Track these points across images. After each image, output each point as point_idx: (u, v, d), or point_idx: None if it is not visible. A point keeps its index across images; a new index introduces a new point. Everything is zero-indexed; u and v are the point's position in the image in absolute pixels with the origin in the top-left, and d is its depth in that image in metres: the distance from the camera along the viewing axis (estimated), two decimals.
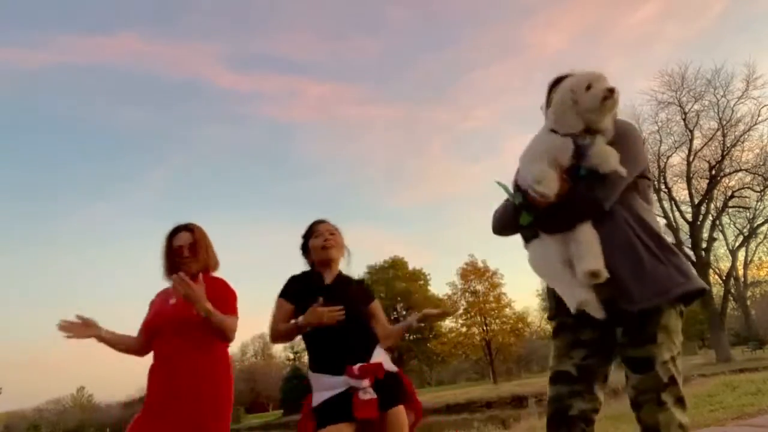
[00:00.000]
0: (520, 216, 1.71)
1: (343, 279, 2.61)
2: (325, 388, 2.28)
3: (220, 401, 2.38)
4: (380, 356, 2.38)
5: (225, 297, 2.50)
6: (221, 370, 2.43)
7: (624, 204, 1.68)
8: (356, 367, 2.24)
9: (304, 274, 2.62)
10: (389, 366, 2.37)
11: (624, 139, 1.70)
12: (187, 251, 2.51)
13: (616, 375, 1.88)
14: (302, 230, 2.70)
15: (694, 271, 1.69)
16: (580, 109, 1.64)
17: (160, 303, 2.53)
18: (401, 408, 2.31)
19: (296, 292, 2.51)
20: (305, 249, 2.65)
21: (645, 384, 1.61)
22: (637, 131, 1.82)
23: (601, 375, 1.77)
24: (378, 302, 2.64)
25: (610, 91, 1.61)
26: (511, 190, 1.78)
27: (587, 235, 1.63)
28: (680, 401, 1.60)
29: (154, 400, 2.34)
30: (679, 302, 1.66)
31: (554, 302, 1.85)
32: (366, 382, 2.22)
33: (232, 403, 2.46)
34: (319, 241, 2.57)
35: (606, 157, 1.59)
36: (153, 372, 2.41)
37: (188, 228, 2.59)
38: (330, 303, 2.34)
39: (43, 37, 75.16)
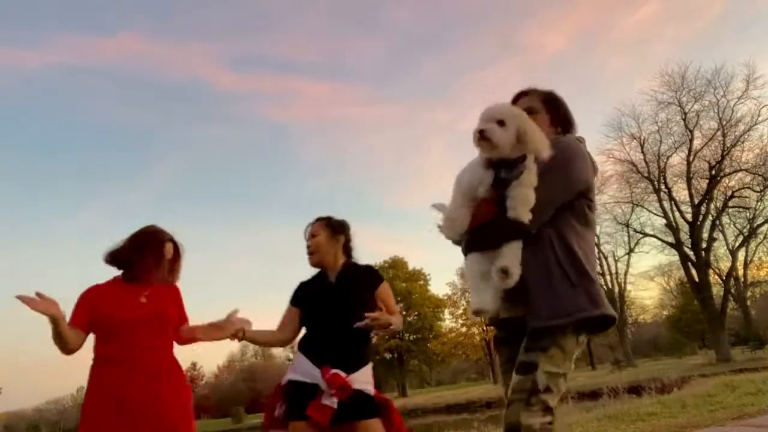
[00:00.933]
0: None
1: (348, 273, 2.60)
2: (300, 371, 2.39)
3: (190, 395, 2.49)
4: (361, 374, 2.40)
5: (183, 305, 2.64)
6: (182, 372, 2.52)
7: (553, 226, 1.74)
8: (332, 372, 2.29)
9: (312, 277, 2.66)
10: (364, 386, 2.38)
11: (559, 161, 1.73)
12: (168, 265, 2.59)
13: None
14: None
15: (604, 300, 1.73)
16: None
17: (124, 299, 2.40)
18: (376, 422, 2.33)
19: (303, 296, 2.61)
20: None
21: (521, 385, 1.64)
22: (575, 152, 1.80)
23: None
24: (386, 285, 2.63)
25: (479, 132, 1.67)
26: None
27: (510, 248, 1.72)
28: (548, 411, 1.61)
29: (128, 398, 2.24)
30: (581, 327, 1.70)
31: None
32: (332, 391, 2.27)
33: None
34: (308, 242, 2.63)
35: (515, 201, 1.66)
36: (116, 373, 2.29)
37: (173, 241, 2.62)
38: (332, 302, 2.46)
39: (43, 38, 75.17)
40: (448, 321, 45.23)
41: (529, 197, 1.66)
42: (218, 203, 77.26)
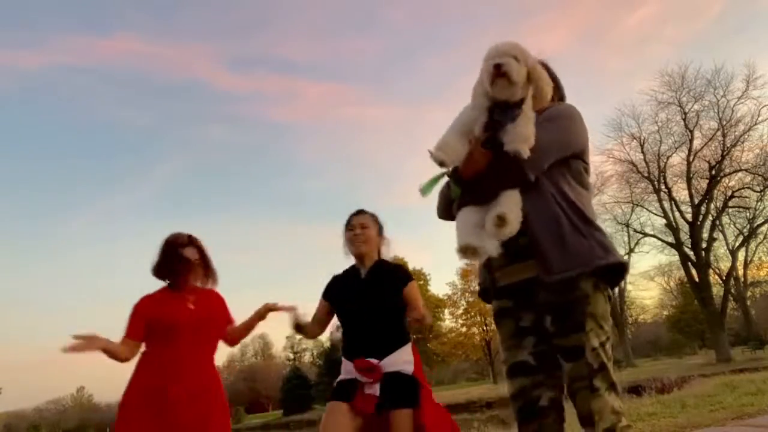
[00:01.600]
0: (452, 191, 1.74)
1: (378, 270, 2.62)
2: (344, 371, 2.48)
3: (226, 398, 2.64)
4: (396, 356, 2.43)
5: (227, 308, 2.80)
6: (217, 374, 2.70)
7: (551, 180, 1.66)
8: (358, 361, 2.38)
9: (345, 271, 2.70)
10: (400, 367, 2.41)
11: (558, 118, 1.70)
12: (197, 267, 2.69)
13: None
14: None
15: (615, 247, 1.67)
16: (484, 88, 1.63)
17: (174, 305, 2.60)
18: (406, 412, 2.32)
19: (334, 290, 2.66)
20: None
21: (576, 371, 1.58)
22: (575, 113, 1.76)
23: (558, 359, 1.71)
24: (414, 284, 2.62)
25: (496, 68, 1.55)
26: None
27: (509, 195, 1.60)
28: (613, 387, 1.57)
29: (169, 398, 2.41)
30: (598, 281, 1.63)
31: (488, 279, 1.82)
32: (368, 379, 2.34)
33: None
34: (349, 235, 2.63)
35: (514, 136, 1.54)
36: (164, 371, 2.47)
37: (193, 243, 2.73)
38: (363, 297, 2.52)
39: (43, 39, 75.24)
40: (448, 321, 45.20)
41: (528, 135, 1.55)
42: (218, 203, 77.29)
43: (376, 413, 2.32)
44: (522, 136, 1.55)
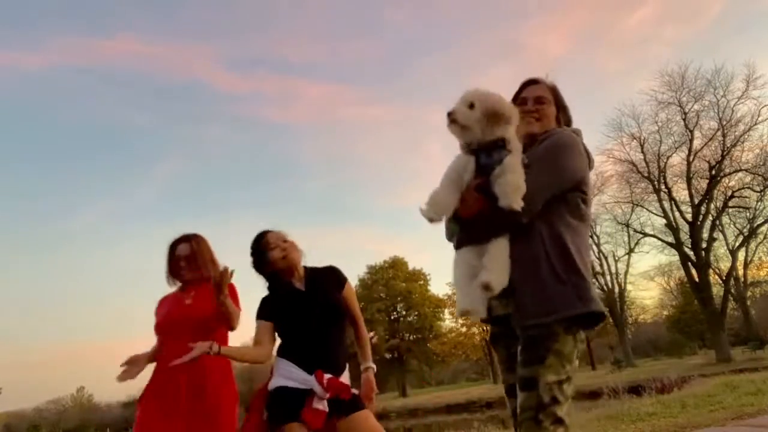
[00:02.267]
0: (451, 227, 1.86)
1: (312, 276, 2.62)
2: (289, 376, 2.39)
3: (234, 394, 2.67)
4: (346, 373, 2.46)
5: (232, 292, 2.74)
6: (229, 365, 2.69)
7: (545, 219, 1.70)
8: (327, 377, 2.32)
9: (273, 290, 2.62)
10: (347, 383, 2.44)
11: (551, 154, 1.73)
12: (184, 262, 2.76)
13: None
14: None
15: (593, 295, 1.69)
16: None
17: (171, 304, 2.74)
18: (367, 413, 2.38)
19: (274, 309, 2.55)
20: (261, 263, 2.61)
21: (527, 402, 1.62)
22: (569, 144, 1.78)
23: None
24: (350, 285, 2.68)
25: (448, 115, 1.71)
26: None
27: (497, 248, 1.70)
28: (558, 422, 1.60)
29: (170, 396, 2.51)
30: (571, 324, 1.66)
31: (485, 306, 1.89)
32: (327, 394, 2.31)
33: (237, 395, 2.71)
34: (277, 253, 2.58)
35: (505, 188, 1.62)
36: (165, 369, 2.54)
37: (188, 239, 2.82)
38: (309, 308, 2.47)
39: (42, 40, 75.18)
40: (448, 321, 45.23)
41: (519, 183, 1.62)
42: (217, 203, 77.25)
43: (323, 428, 2.31)
44: (512, 187, 1.61)
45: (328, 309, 2.51)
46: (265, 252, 2.59)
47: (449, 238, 1.91)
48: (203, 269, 2.76)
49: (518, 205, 1.60)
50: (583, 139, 1.90)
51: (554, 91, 1.96)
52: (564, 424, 1.61)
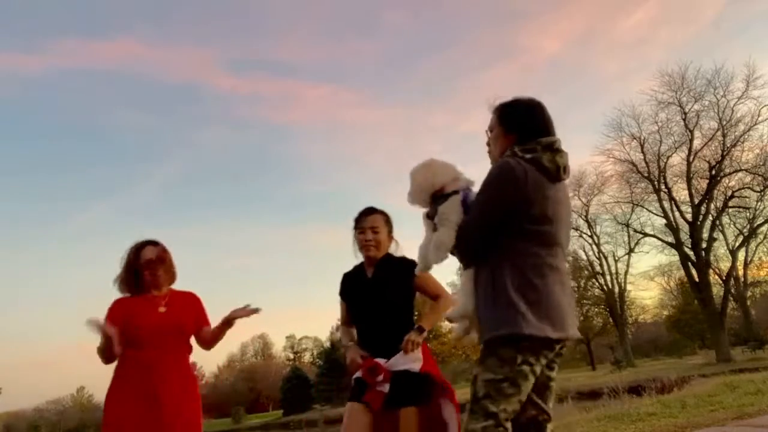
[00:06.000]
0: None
1: (384, 267, 2.61)
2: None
3: (200, 401, 2.68)
4: (403, 354, 2.43)
5: (203, 310, 2.80)
6: (193, 373, 2.74)
7: (497, 247, 1.86)
8: (363, 364, 2.45)
9: (354, 269, 2.71)
10: (408, 366, 2.42)
11: (481, 187, 1.90)
12: (159, 264, 2.64)
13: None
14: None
15: (515, 320, 1.77)
16: None
17: (144, 311, 2.59)
18: (412, 410, 2.35)
19: (346, 290, 2.70)
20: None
21: (470, 395, 1.83)
22: (495, 173, 1.86)
23: (538, 387, 1.90)
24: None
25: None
26: None
27: (465, 278, 2.02)
28: (489, 416, 1.75)
29: (145, 404, 2.45)
30: (506, 342, 1.80)
31: None
32: (380, 377, 2.40)
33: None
34: (361, 239, 2.62)
35: (419, 257, 2.03)
36: (136, 377, 2.50)
37: (155, 243, 2.71)
38: (369, 297, 2.56)
39: (43, 43, 75.22)
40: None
41: (442, 240, 1.91)
42: (217, 205, 77.29)
43: (385, 410, 2.37)
44: (422, 253, 2.00)
45: (385, 302, 2.53)
46: (356, 233, 2.65)
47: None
48: (173, 276, 2.73)
49: (426, 269, 2.01)
50: (540, 153, 1.86)
51: (501, 110, 2.02)
52: (495, 418, 1.74)
